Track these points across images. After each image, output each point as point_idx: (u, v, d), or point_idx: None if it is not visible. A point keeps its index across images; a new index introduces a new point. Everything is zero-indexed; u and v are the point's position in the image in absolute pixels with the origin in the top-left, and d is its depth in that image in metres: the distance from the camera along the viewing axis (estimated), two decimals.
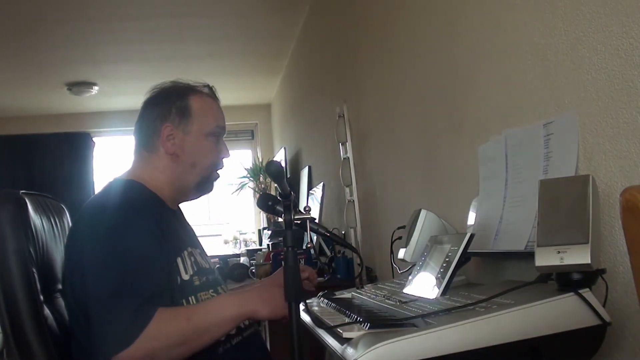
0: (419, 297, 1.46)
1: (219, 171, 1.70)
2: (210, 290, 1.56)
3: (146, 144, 1.64)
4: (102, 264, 1.41)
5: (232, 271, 3.48)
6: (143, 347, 1.32)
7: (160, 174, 1.62)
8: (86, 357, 1.47)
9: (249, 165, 6.27)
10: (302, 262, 2.95)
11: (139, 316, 1.34)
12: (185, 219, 1.75)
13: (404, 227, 1.94)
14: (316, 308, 1.56)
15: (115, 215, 1.47)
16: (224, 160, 1.70)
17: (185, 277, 1.51)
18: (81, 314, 1.46)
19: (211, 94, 1.70)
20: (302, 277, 1.50)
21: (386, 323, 1.21)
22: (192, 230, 1.74)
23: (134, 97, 7.28)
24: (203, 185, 1.67)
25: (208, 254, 1.73)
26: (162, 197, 1.62)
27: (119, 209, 1.48)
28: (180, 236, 1.60)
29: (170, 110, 1.62)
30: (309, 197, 4.02)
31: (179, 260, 1.52)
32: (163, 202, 1.62)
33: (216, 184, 1.72)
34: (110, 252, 1.42)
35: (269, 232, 4.64)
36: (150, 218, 1.50)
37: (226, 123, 1.72)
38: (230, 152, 1.73)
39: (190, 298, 1.50)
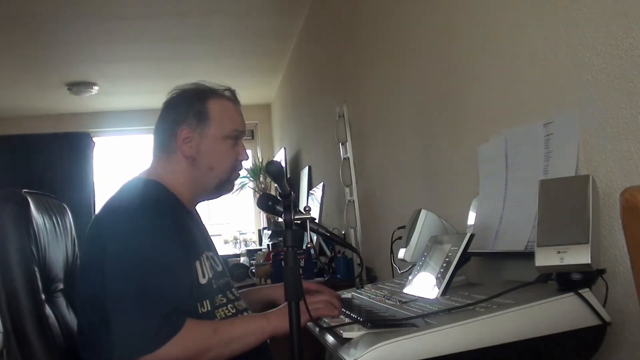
0: (419, 297, 1.46)
1: (238, 173, 1.70)
2: (220, 295, 1.57)
3: (164, 146, 1.64)
4: (127, 265, 1.41)
5: (232, 271, 3.47)
6: (169, 353, 1.34)
7: (179, 176, 1.62)
8: (97, 355, 1.48)
9: (249, 165, 6.27)
10: (302, 262, 2.95)
11: (169, 322, 1.36)
12: (201, 220, 1.75)
13: (404, 227, 1.94)
14: None
15: (139, 216, 1.47)
16: (242, 162, 1.70)
17: (203, 280, 1.52)
18: (94, 314, 1.47)
19: (232, 97, 1.70)
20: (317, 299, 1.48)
21: (386, 323, 1.21)
22: (207, 231, 1.75)
23: (134, 97, 7.31)
24: (222, 187, 1.68)
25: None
26: (180, 199, 1.62)
27: (142, 210, 1.49)
28: (197, 240, 1.60)
29: (188, 113, 1.62)
30: (309, 197, 4.02)
31: (197, 263, 1.52)
32: (181, 204, 1.62)
33: (235, 183, 1.73)
34: (134, 254, 1.42)
35: (269, 232, 4.64)
36: (172, 220, 1.51)
37: None
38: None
39: (205, 302, 1.51)
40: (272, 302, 1.82)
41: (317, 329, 1.40)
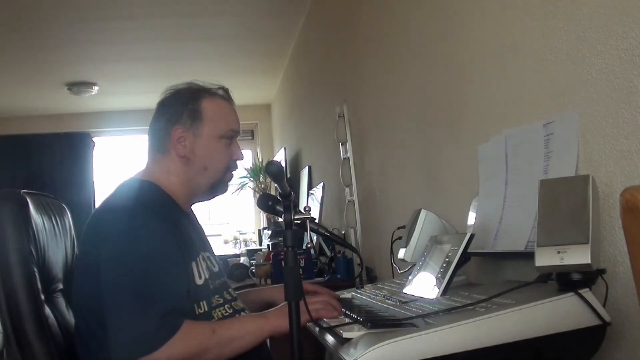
0: (419, 297, 1.46)
1: (232, 173, 1.69)
2: (216, 296, 1.57)
3: (158, 146, 1.64)
4: (123, 268, 1.41)
5: (232, 271, 3.47)
6: (167, 355, 1.34)
7: (173, 176, 1.62)
8: (94, 357, 1.47)
9: (249, 165, 6.27)
10: (302, 262, 2.95)
11: (166, 323, 1.36)
12: (197, 221, 1.75)
13: (404, 227, 1.94)
14: None
15: (135, 217, 1.47)
16: (237, 161, 1.69)
17: (199, 281, 1.52)
18: (90, 315, 1.47)
19: (225, 96, 1.69)
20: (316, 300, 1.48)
21: (386, 323, 1.21)
22: (203, 232, 1.74)
23: (134, 97, 7.30)
24: (215, 187, 1.67)
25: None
26: (176, 200, 1.62)
27: (138, 211, 1.48)
28: (193, 241, 1.60)
29: (182, 112, 1.61)
30: (309, 197, 4.02)
31: (193, 264, 1.52)
32: (177, 205, 1.62)
33: (230, 184, 1.72)
34: (130, 256, 1.42)
35: (269, 232, 4.64)
36: (167, 221, 1.51)
37: None
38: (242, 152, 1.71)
39: (202, 302, 1.51)
40: (271, 303, 1.82)
41: (317, 329, 1.40)
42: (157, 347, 1.33)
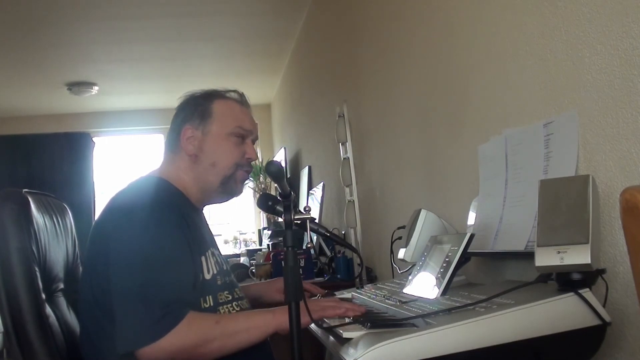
0: (419, 297, 1.46)
1: (244, 171, 1.68)
2: (226, 292, 1.57)
3: (170, 146, 1.68)
4: (132, 258, 1.42)
5: (232, 271, 3.47)
6: (170, 344, 1.34)
7: (184, 174, 1.64)
8: (98, 352, 1.48)
9: None
10: (302, 262, 2.95)
11: (170, 313, 1.36)
12: (206, 221, 1.76)
13: (404, 227, 1.94)
14: None
15: (145, 210, 1.49)
16: (250, 161, 1.69)
17: (207, 276, 1.53)
18: (98, 308, 1.47)
19: (239, 99, 1.72)
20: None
21: (386, 323, 1.21)
22: (212, 232, 1.75)
23: (134, 97, 7.28)
24: (226, 185, 1.66)
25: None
26: (187, 196, 1.64)
27: (148, 205, 1.50)
28: (204, 236, 1.62)
29: (194, 113, 1.66)
30: (309, 197, 4.02)
31: (202, 259, 1.54)
32: (189, 201, 1.64)
33: (244, 186, 1.72)
34: (136, 247, 1.43)
35: (269, 232, 4.64)
36: (178, 215, 1.52)
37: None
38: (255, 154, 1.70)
39: (208, 297, 1.51)
40: (259, 299, 1.84)
41: (317, 329, 1.40)
42: (160, 336, 1.33)
